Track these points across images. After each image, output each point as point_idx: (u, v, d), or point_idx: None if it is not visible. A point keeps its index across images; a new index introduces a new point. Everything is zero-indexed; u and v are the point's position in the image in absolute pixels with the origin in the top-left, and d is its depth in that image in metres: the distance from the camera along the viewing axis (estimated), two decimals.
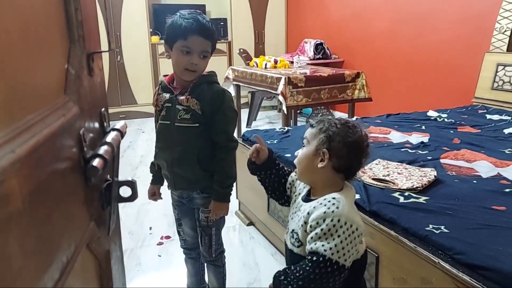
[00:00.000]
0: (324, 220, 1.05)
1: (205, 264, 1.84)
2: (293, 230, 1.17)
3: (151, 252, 2.46)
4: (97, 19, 0.61)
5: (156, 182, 1.77)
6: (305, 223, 1.10)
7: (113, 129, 0.60)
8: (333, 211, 1.05)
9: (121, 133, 0.61)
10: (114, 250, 0.65)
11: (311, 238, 1.07)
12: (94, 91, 0.59)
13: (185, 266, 1.93)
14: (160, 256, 2.43)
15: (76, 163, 0.50)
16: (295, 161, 1.22)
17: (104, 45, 0.66)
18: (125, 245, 2.53)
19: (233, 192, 1.78)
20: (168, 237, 2.63)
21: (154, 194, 1.78)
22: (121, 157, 3.23)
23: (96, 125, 0.59)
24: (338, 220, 1.04)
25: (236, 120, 1.66)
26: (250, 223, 2.81)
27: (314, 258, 1.05)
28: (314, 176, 1.17)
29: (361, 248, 1.15)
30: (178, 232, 1.85)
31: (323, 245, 1.04)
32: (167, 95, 1.60)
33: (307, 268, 1.05)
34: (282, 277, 1.11)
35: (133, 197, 0.63)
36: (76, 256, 0.48)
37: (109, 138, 0.57)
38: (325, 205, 1.07)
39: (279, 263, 2.32)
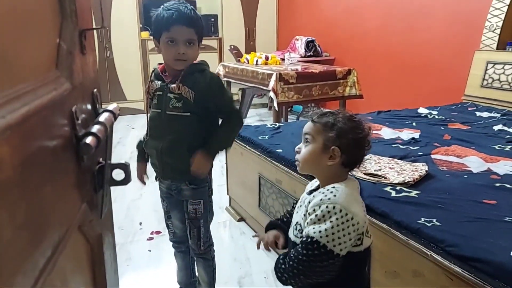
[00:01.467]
0: (319, 207, 1.06)
1: (195, 258, 1.83)
2: (297, 222, 1.18)
3: (141, 247, 2.44)
4: None
5: (144, 159, 1.73)
6: (307, 212, 1.11)
7: (106, 110, 0.59)
8: (329, 198, 1.05)
9: (114, 115, 0.59)
10: (106, 235, 0.63)
11: (307, 223, 1.08)
12: (87, 70, 0.57)
13: (175, 260, 1.91)
14: (150, 251, 2.41)
15: (68, 141, 0.48)
16: (298, 157, 1.19)
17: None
18: (115, 240, 2.51)
19: (224, 188, 1.78)
20: (158, 232, 2.61)
21: (142, 175, 1.74)
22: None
23: (88, 105, 0.58)
24: (334, 207, 1.04)
25: (232, 96, 1.70)
26: (241, 219, 2.80)
27: (304, 239, 1.06)
28: (320, 171, 1.17)
29: (366, 241, 1.13)
30: (167, 225, 1.84)
31: (313, 228, 1.05)
32: (158, 83, 1.60)
33: (299, 249, 1.07)
34: (281, 257, 1.14)
35: (126, 180, 0.62)
36: (67, 236, 0.46)
37: (102, 118, 0.55)
38: (323, 193, 1.08)
39: (270, 258, 2.31)
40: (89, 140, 0.48)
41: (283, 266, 1.11)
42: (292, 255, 1.09)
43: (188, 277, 1.92)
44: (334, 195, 1.06)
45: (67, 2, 0.50)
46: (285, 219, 1.31)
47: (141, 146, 1.72)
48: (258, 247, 1.27)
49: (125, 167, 0.61)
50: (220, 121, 1.66)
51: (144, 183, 1.75)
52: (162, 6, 1.52)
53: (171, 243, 1.87)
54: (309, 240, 1.05)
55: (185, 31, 1.48)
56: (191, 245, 1.76)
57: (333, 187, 1.09)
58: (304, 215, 1.11)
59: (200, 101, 1.55)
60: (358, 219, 1.06)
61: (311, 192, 1.18)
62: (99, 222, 0.60)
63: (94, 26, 0.65)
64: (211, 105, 1.58)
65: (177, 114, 1.55)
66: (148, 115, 1.65)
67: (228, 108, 1.63)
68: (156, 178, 1.74)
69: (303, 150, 1.17)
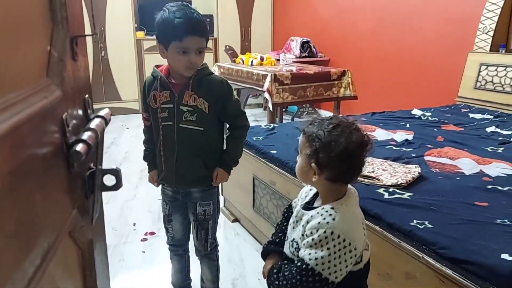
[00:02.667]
0: (317, 230, 1.02)
1: (199, 257, 1.81)
2: (293, 239, 1.15)
3: (135, 248, 2.44)
4: (81, 2, 0.59)
5: (154, 167, 1.73)
6: (304, 232, 1.08)
7: (97, 116, 0.59)
8: (327, 222, 1.02)
9: (105, 120, 0.60)
10: (97, 240, 0.63)
11: (303, 245, 1.06)
12: (78, 76, 0.57)
13: (170, 262, 1.91)
14: (144, 252, 2.40)
15: (59, 148, 0.48)
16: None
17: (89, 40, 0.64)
18: (108, 241, 2.49)
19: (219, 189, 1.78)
20: (152, 233, 2.61)
21: (154, 180, 1.75)
22: (104, 153, 3.19)
23: (80, 111, 0.58)
24: (332, 233, 1.01)
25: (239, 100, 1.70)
26: (235, 220, 2.80)
27: (299, 264, 1.04)
28: (313, 185, 1.15)
29: (365, 256, 1.11)
30: (166, 229, 1.81)
31: (309, 254, 1.02)
32: (167, 94, 1.55)
33: (293, 272, 1.05)
34: (275, 271, 1.13)
35: (117, 185, 0.62)
36: (58, 243, 0.46)
37: (93, 124, 0.55)
38: (321, 215, 1.04)
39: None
40: (79, 147, 0.48)
41: (276, 282, 1.10)
42: (286, 275, 1.07)
43: (183, 279, 1.93)
44: (333, 219, 1.02)
45: (58, 9, 0.50)
46: (277, 240, 1.28)
47: (149, 157, 1.73)
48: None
49: (116, 172, 0.61)
50: (228, 126, 1.67)
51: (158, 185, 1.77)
52: (167, 10, 1.47)
53: (168, 246, 1.86)
54: (303, 266, 1.02)
55: (197, 41, 1.46)
56: (197, 246, 1.76)
57: (332, 208, 1.05)
58: (302, 234, 1.08)
59: (214, 110, 1.55)
60: (357, 244, 1.03)
61: (307, 206, 1.15)
62: (90, 227, 0.60)
63: (88, 32, 0.64)
64: (221, 109, 1.58)
65: (191, 128, 1.54)
66: (157, 124, 1.59)
67: (237, 112, 1.63)
68: (164, 185, 1.73)
69: (297, 162, 1.16)
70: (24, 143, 0.38)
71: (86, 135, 0.51)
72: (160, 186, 1.76)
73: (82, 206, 0.57)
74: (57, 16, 0.50)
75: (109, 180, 0.63)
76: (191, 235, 1.83)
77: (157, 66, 1.63)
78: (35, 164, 0.41)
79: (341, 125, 1.06)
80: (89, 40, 5.41)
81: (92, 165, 0.60)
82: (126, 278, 2.17)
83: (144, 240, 2.53)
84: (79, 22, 0.57)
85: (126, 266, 2.27)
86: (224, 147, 1.69)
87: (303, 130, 1.12)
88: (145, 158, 1.76)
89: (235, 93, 1.70)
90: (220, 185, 1.75)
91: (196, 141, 1.56)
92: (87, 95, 0.60)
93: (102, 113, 0.61)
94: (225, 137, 1.70)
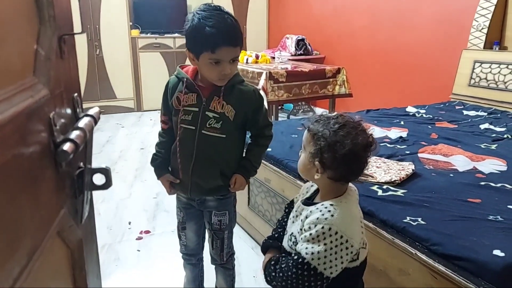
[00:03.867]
0: (315, 226, 1.03)
1: (214, 267, 1.75)
2: (292, 233, 1.16)
3: (130, 247, 2.43)
4: (69, 0, 0.59)
5: (166, 170, 1.61)
6: (303, 227, 1.09)
7: (86, 115, 0.58)
8: (326, 218, 1.02)
9: (95, 119, 0.59)
10: (87, 240, 0.63)
11: (301, 239, 1.06)
12: (66, 75, 0.57)
13: (184, 270, 1.81)
14: (139, 250, 2.40)
15: (46, 147, 0.48)
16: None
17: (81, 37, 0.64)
18: (103, 240, 2.50)
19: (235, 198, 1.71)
20: (147, 232, 2.60)
21: (171, 184, 1.61)
22: (100, 152, 3.19)
23: (68, 110, 0.57)
24: (329, 229, 1.01)
25: None
26: None
27: (295, 257, 1.05)
28: (314, 181, 1.15)
29: (362, 254, 1.12)
30: (179, 236, 1.72)
31: (306, 248, 1.03)
32: (193, 97, 1.46)
33: (289, 264, 1.06)
34: (273, 263, 1.14)
35: (107, 184, 0.62)
36: (45, 243, 0.46)
37: (81, 123, 0.55)
38: (320, 211, 1.05)
39: (259, 257, 2.32)
40: (66, 146, 0.48)
41: (273, 274, 1.11)
42: (283, 267, 1.08)
43: None
44: (332, 215, 1.03)
45: (45, 7, 0.50)
46: (276, 235, 1.29)
47: (156, 162, 1.61)
48: None
49: (105, 171, 0.61)
50: (251, 134, 1.59)
51: (171, 192, 1.65)
52: (197, 15, 1.34)
53: (181, 255, 1.76)
54: (300, 260, 1.03)
55: (231, 52, 1.36)
56: (212, 255, 1.69)
57: (331, 204, 1.05)
58: (301, 229, 1.09)
59: (239, 119, 1.47)
60: (354, 241, 1.04)
61: (307, 201, 1.16)
62: (79, 227, 0.60)
63: (79, 30, 0.64)
64: (251, 119, 1.51)
65: (214, 135, 1.45)
66: (178, 131, 1.49)
67: (266, 122, 1.56)
68: (179, 190, 1.63)
69: (300, 157, 1.16)
70: (9, 143, 0.38)
71: (74, 134, 0.51)
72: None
73: (71, 205, 0.57)
74: (44, 15, 0.50)
75: (99, 180, 0.63)
76: (206, 243, 1.74)
77: (182, 67, 1.53)
78: (20, 163, 0.41)
79: (347, 126, 1.05)
80: (83, 39, 5.39)
81: (81, 164, 0.60)
82: (121, 277, 2.16)
83: (139, 238, 2.53)
84: (67, 20, 0.57)
85: (121, 265, 2.26)
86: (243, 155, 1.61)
87: (308, 127, 1.12)
88: (152, 162, 1.63)
89: (265, 103, 1.63)
90: (236, 193, 1.65)
91: (217, 149, 1.47)
92: (76, 94, 0.60)
93: (91, 112, 0.60)
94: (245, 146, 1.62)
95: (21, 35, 0.46)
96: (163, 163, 1.61)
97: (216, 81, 1.42)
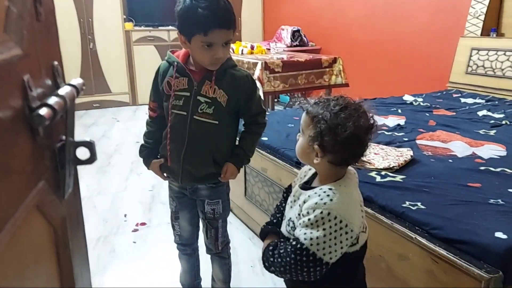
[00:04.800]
0: (314, 211, 1.00)
1: (210, 256, 1.72)
2: (290, 218, 1.13)
3: (126, 239, 2.40)
4: None
5: (151, 158, 1.56)
6: (301, 211, 1.06)
7: (68, 84, 0.55)
8: (325, 203, 0.99)
9: (77, 90, 0.56)
10: (72, 217, 0.60)
11: (299, 224, 1.03)
12: (43, 38, 0.53)
13: (179, 261, 1.78)
14: (135, 242, 2.37)
15: (19, 112, 0.44)
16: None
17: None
18: (99, 233, 2.47)
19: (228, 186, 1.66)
20: (143, 224, 2.57)
21: (162, 174, 1.57)
22: (95, 146, 3.13)
23: (47, 78, 0.54)
24: (328, 214, 0.98)
25: None
26: None
27: (294, 243, 1.02)
28: (313, 165, 1.12)
29: (362, 238, 1.09)
30: (173, 226, 1.68)
31: (305, 233, 1.00)
32: (184, 81, 1.42)
33: (288, 250, 1.03)
34: (271, 248, 1.11)
35: (91, 159, 0.58)
36: (21, 214, 0.43)
37: (62, 91, 0.51)
38: (319, 195, 1.02)
39: (257, 247, 2.29)
40: (43, 111, 0.44)
41: (271, 259, 1.08)
42: (281, 253, 1.05)
43: (192, 279, 1.80)
44: (331, 199, 1.00)
45: None
46: (275, 220, 1.26)
47: (144, 152, 1.58)
48: None
49: (89, 144, 0.58)
50: (243, 122, 1.55)
51: (168, 177, 1.59)
52: None
53: (176, 245, 1.73)
54: (298, 245, 1.00)
55: (224, 34, 1.32)
56: (207, 245, 1.66)
57: (330, 188, 1.02)
58: (299, 214, 1.06)
59: (232, 104, 1.43)
60: (353, 226, 1.01)
61: (305, 186, 1.13)
62: (62, 203, 0.56)
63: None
64: (243, 105, 1.46)
65: (206, 121, 1.41)
66: (169, 116, 1.45)
67: (260, 109, 1.52)
68: (170, 179, 1.59)
69: (298, 141, 1.13)
70: None
71: (52, 100, 0.47)
72: (167, 182, 1.63)
73: (52, 179, 0.53)
74: None
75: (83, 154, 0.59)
76: (200, 233, 1.71)
77: (172, 52, 1.49)
78: None
79: (349, 108, 1.02)
80: (77, 32, 5.33)
81: (63, 137, 0.56)
82: (117, 268, 2.13)
83: (135, 230, 2.50)
84: None
85: (117, 257, 2.23)
86: (237, 143, 1.57)
87: (307, 109, 1.08)
88: (140, 153, 1.59)
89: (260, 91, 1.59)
90: (229, 181, 1.60)
91: (209, 135, 1.43)
92: (56, 62, 0.56)
93: (73, 82, 0.57)
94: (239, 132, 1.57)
95: None
96: (151, 152, 1.57)
97: (208, 65, 1.38)
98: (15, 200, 0.42)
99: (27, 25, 0.47)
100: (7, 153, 0.41)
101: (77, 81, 0.59)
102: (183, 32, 1.35)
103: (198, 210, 1.64)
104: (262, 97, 3.60)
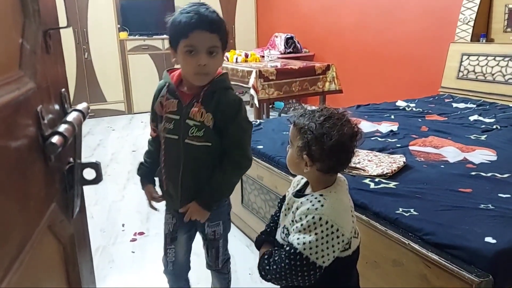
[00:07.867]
0: (306, 216, 1.04)
1: (210, 271, 1.69)
2: (284, 225, 1.17)
3: (124, 249, 2.42)
4: None
5: (149, 181, 1.54)
6: (294, 218, 1.09)
7: (75, 110, 0.58)
8: (316, 208, 1.04)
9: (83, 114, 0.59)
10: (79, 235, 0.63)
11: (293, 230, 1.07)
12: (53, 69, 0.56)
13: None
14: (133, 252, 2.39)
15: (34, 141, 0.48)
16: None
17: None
18: (97, 243, 2.48)
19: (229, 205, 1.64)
20: (141, 233, 2.59)
21: (153, 197, 1.54)
22: (91, 155, 3.16)
23: (56, 105, 0.57)
24: (320, 218, 1.02)
25: (251, 134, 1.45)
26: None
27: (287, 248, 1.06)
28: (304, 175, 1.16)
29: (354, 243, 1.12)
30: (166, 252, 1.59)
31: (298, 238, 1.04)
32: (175, 103, 1.39)
33: (282, 256, 1.07)
34: (266, 256, 1.14)
35: (97, 179, 0.62)
36: (36, 236, 0.46)
37: (70, 117, 0.55)
38: (311, 202, 1.06)
39: (254, 254, 2.32)
40: (55, 139, 0.48)
41: (267, 267, 1.12)
42: (276, 259, 1.09)
43: None
44: (322, 205, 1.04)
45: (30, 1, 0.50)
46: (269, 230, 1.29)
47: (141, 170, 1.55)
48: None
49: (95, 166, 0.61)
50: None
51: (156, 209, 1.57)
52: (179, 10, 1.32)
53: (165, 275, 1.63)
54: (292, 250, 1.04)
55: (206, 38, 1.28)
56: (208, 262, 1.63)
57: (321, 195, 1.07)
58: (292, 221, 1.10)
59: (217, 127, 1.37)
60: (344, 230, 1.04)
61: (298, 194, 1.17)
62: (71, 222, 0.60)
63: (64, 25, 0.63)
64: (223, 127, 1.38)
65: (198, 145, 1.36)
66: (162, 139, 1.42)
67: (239, 140, 1.40)
68: (168, 207, 1.57)
69: (288, 153, 1.16)
70: None
71: (62, 128, 0.51)
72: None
73: (61, 200, 0.57)
74: (28, 9, 0.50)
75: (89, 174, 0.63)
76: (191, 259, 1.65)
77: (170, 71, 1.46)
78: (8, 155, 0.41)
79: (333, 117, 1.07)
80: (71, 42, 5.35)
81: (71, 159, 0.60)
82: (116, 278, 2.15)
83: (133, 240, 2.52)
84: (52, 15, 0.57)
85: (116, 267, 2.25)
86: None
87: (294, 122, 1.12)
88: (138, 171, 1.56)
89: (252, 127, 1.45)
90: (230, 199, 1.57)
91: (204, 157, 1.38)
92: (63, 89, 0.60)
93: (79, 107, 0.60)
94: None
95: (5, 29, 0.46)
96: (148, 173, 1.54)
97: (194, 76, 1.33)
98: (33, 224, 0.45)
99: (39, 60, 0.50)
100: (25, 181, 0.44)
101: (83, 105, 0.62)
102: (171, 43, 1.36)
103: (198, 230, 1.61)
104: (254, 121, 3.61)
